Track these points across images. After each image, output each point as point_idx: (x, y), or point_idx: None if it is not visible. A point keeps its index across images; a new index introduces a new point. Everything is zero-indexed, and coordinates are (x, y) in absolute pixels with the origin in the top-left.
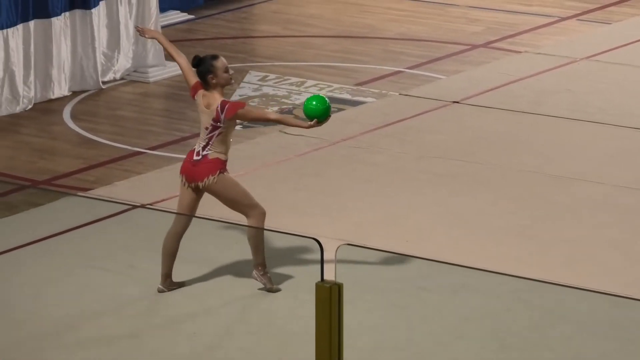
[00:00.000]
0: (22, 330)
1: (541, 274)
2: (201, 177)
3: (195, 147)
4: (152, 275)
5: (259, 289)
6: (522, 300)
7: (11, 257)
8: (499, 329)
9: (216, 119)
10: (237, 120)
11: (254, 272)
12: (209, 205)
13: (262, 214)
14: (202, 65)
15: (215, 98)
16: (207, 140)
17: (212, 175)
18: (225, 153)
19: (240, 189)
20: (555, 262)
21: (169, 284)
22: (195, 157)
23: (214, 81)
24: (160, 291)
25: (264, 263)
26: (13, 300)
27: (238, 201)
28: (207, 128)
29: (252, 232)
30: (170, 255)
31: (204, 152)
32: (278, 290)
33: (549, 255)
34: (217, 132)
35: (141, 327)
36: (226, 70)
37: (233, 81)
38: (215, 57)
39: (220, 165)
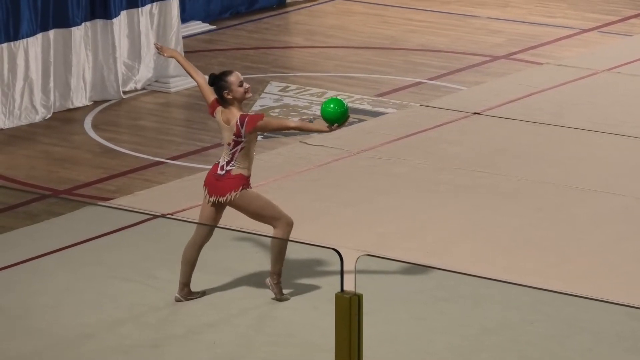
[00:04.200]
0: (42, 339)
1: (561, 285)
2: (223, 193)
3: (220, 160)
4: (172, 285)
5: (272, 298)
6: (542, 311)
7: (32, 266)
8: (518, 340)
9: (237, 134)
10: (258, 132)
11: (268, 280)
12: (232, 216)
13: (288, 224)
14: (217, 83)
15: (234, 113)
16: (230, 156)
17: (234, 192)
18: (249, 168)
19: (262, 201)
20: (576, 274)
21: (186, 293)
22: (219, 172)
23: (229, 96)
24: (177, 300)
25: (280, 273)
26: (34, 309)
27: (262, 214)
28: (229, 144)
29: (276, 241)
30: (189, 264)
31: (228, 167)
32: (287, 299)
33: (570, 267)
34: (239, 147)
35: (161, 337)
36: (240, 84)
37: (250, 95)
38: (228, 72)
39: (243, 181)
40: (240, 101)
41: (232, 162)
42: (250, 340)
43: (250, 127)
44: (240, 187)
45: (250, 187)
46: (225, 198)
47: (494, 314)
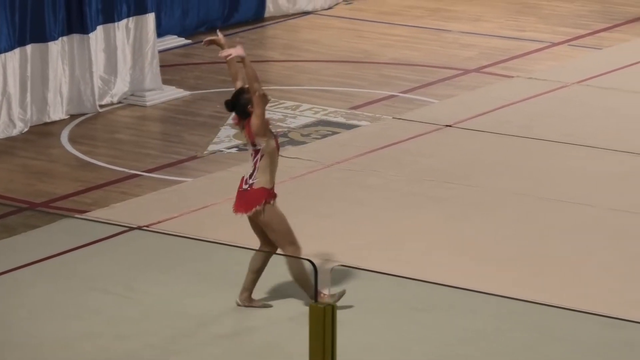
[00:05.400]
0: (19, 351)
1: (534, 295)
2: (248, 208)
3: (245, 175)
4: (150, 296)
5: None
6: (515, 321)
7: (9, 279)
8: (493, 349)
9: (252, 142)
10: (259, 137)
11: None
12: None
13: (298, 253)
14: (237, 105)
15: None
16: (253, 167)
17: (258, 206)
18: (270, 181)
19: (285, 225)
20: (548, 284)
21: (245, 299)
22: (244, 186)
23: (251, 110)
24: (238, 305)
25: (311, 294)
26: (11, 321)
27: (281, 237)
28: (251, 155)
29: (295, 271)
30: (252, 271)
31: (251, 181)
32: (268, 306)
33: (541, 277)
34: (259, 155)
35: (139, 348)
36: (255, 90)
37: (269, 97)
38: (240, 90)
39: (266, 195)
40: (264, 106)
41: (254, 174)
42: (226, 350)
43: (249, 127)
44: (264, 201)
45: (274, 200)
46: (250, 213)
47: (468, 323)
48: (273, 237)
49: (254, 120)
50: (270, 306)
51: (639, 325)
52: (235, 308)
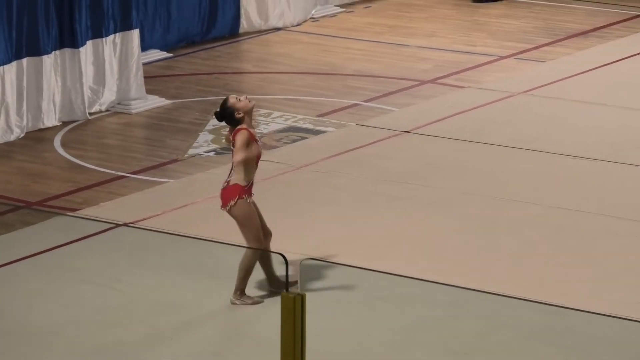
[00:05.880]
0: (15, 337)
1: (484, 285)
2: (224, 204)
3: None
4: (135, 288)
5: (233, 302)
6: (466, 309)
7: (7, 271)
8: (445, 335)
9: (233, 144)
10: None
11: (232, 297)
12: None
13: (259, 252)
14: (224, 114)
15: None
16: (231, 166)
17: (232, 201)
18: (245, 179)
19: (254, 222)
20: (496, 275)
21: (239, 296)
22: (223, 184)
23: (241, 114)
24: (232, 303)
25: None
26: (8, 310)
27: (248, 231)
28: (231, 155)
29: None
30: (242, 269)
31: (228, 179)
32: (261, 302)
33: (490, 269)
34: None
35: (126, 335)
36: (239, 100)
37: (253, 102)
38: (225, 100)
39: (239, 191)
40: (250, 114)
41: (231, 173)
42: (205, 336)
43: (234, 134)
44: (237, 196)
45: (249, 197)
46: (226, 207)
47: (423, 311)
48: (241, 231)
49: (239, 142)
50: (262, 301)
51: (580, 312)
52: (214, 297)
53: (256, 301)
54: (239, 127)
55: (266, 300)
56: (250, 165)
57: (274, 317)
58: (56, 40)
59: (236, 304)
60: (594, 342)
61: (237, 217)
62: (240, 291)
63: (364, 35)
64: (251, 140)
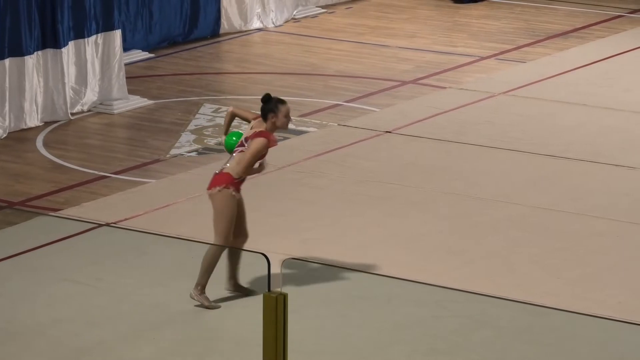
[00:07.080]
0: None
1: (466, 285)
2: (210, 187)
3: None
4: (117, 286)
5: (196, 305)
6: (448, 308)
7: None
8: (427, 334)
9: (247, 139)
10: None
11: (193, 291)
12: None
13: (222, 250)
14: (269, 103)
15: (263, 129)
16: (231, 156)
17: (218, 187)
18: (239, 172)
19: (229, 218)
20: (478, 274)
21: (199, 292)
22: (218, 169)
23: (273, 120)
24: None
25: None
26: None
27: (220, 224)
28: (240, 149)
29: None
30: (203, 263)
31: (223, 166)
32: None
33: (473, 268)
34: (239, 148)
35: (107, 334)
36: (287, 116)
37: (288, 128)
38: (283, 101)
39: (228, 180)
40: (277, 129)
41: (229, 161)
42: (187, 336)
43: (254, 137)
44: (224, 185)
45: (237, 192)
46: (211, 191)
47: (406, 310)
48: (214, 220)
49: (252, 151)
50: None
51: (562, 312)
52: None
53: (213, 306)
54: (265, 132)
55: (248, 301)
56: (248, 163)
57: (256, 316)
58: (38, 41)
59: (194, 299)
60: (576, 341)
61: (215, 205)
62: (201, 286)
63: (345, 36)
64: (264, 154)
